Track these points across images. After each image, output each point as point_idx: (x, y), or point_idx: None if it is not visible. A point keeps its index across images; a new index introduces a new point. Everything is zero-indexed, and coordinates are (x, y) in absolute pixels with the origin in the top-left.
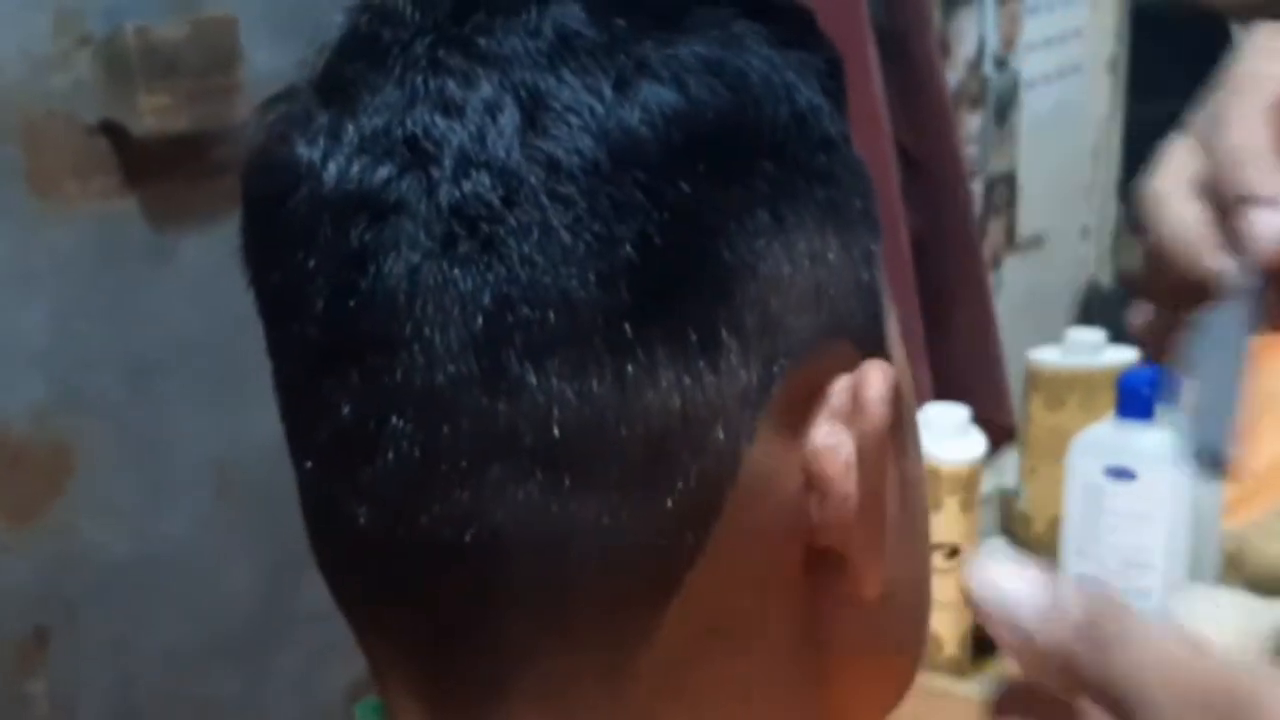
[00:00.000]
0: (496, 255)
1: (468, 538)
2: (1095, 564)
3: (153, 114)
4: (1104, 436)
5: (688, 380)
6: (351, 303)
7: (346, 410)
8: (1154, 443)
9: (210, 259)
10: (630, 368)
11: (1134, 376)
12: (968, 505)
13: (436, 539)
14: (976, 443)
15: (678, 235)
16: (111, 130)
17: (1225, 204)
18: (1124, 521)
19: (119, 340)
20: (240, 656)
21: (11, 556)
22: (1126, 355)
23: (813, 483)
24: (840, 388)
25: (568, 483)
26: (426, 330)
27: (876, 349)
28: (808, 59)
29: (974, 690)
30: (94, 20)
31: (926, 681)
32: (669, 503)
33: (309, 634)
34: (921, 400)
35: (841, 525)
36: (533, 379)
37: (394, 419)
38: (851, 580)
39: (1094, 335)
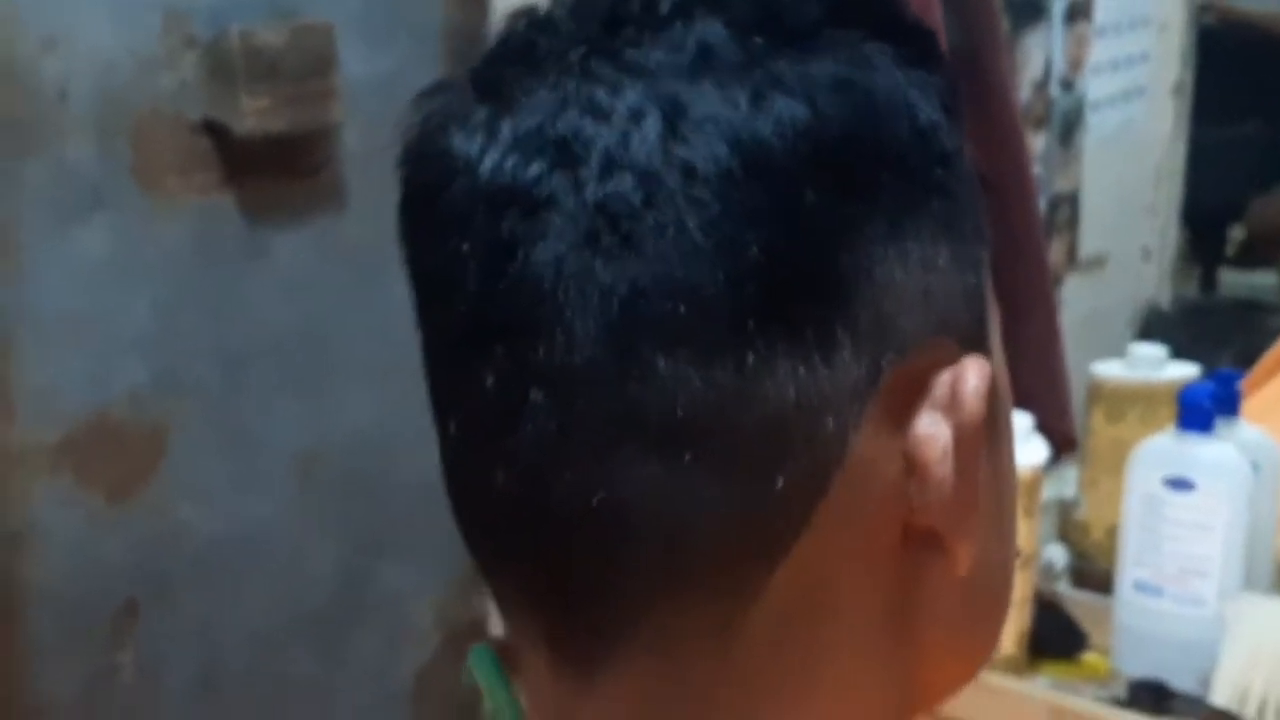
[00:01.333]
0: (634, 250)
1: (595, 503)
2: (1152, 571)
3: (254, 115)
4: (1164, 448)
5: (803, 372)
6: (501, 285)
7: (491, 383)
8: (1214, 454)
9: (302, 255)
10: (751, 359)
11: (1196, 390)
12: (1030, 511)
13: (566, 503)
14: (1039, 449)
15: (801, 241)
16: (214, 129)
17: None
18: (1182, 531)
19: (215, 330)
20: (317, 638)
21: (107, 532)
22: (1187, 370)
23: (912, 468)
24: (942, 381)
25: (688, 459)
26: (567, 314)
27: (978, 347)
28: (929, 78)
29: (1031, 688)
30: (200, 23)
31: (984, 678)
32: (780, 482)
33: (382, 619)
34: None
35: (938, 507)
36: (662, 364)
37: (534, 394)
38: (944, 558)
39: (1156, 350)
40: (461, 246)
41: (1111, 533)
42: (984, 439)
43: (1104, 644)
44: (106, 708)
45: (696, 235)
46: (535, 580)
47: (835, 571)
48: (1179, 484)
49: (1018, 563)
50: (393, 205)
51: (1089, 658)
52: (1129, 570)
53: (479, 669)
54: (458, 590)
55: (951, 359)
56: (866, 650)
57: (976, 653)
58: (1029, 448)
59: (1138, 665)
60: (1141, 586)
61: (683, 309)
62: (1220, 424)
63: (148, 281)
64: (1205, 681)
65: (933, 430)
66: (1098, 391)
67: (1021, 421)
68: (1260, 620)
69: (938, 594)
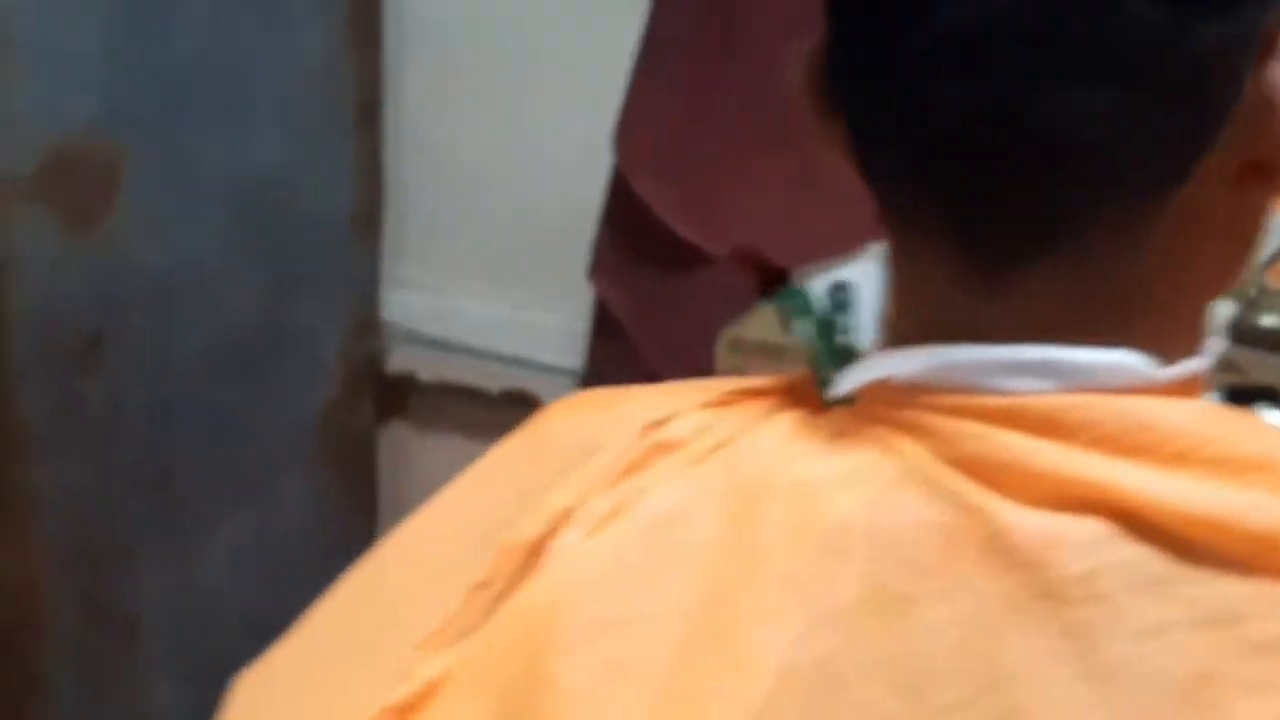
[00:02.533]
0: None
1: (1041, 119)
2: None
3: None
4: None
5: (1225, 26)
6: None
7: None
8: None
9: None
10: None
11: None
12: None
13: (1022, 117)
14: None
15: None
16: None
17: None
18: None
19: (155, 60)
20: (242, 369)
21: (74, 264)
22: None
23: (1272, 108)
24: None
25: (1135, 88)
26: None
27: None
28: None
29: None
30: None
31: None
32: (1200, 116)
33: (298, 352)
34: None
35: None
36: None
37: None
38: (1264, 188)
39: None
40: None
41: None
42: None
43: None
44: (74, 434)
45: None
46: (969, 185)
47: (1207, 196)
48: None
49: None
50: None
51: None
52: None
53: (795, 314)
54: (358, 328)
55: None
56: (1211, 262)
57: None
58: None
59: None
60: None
61: None
62: None
63: (95, 9)
64: None
65: None
66: None
67: None
68: None
69: (1247, 219)
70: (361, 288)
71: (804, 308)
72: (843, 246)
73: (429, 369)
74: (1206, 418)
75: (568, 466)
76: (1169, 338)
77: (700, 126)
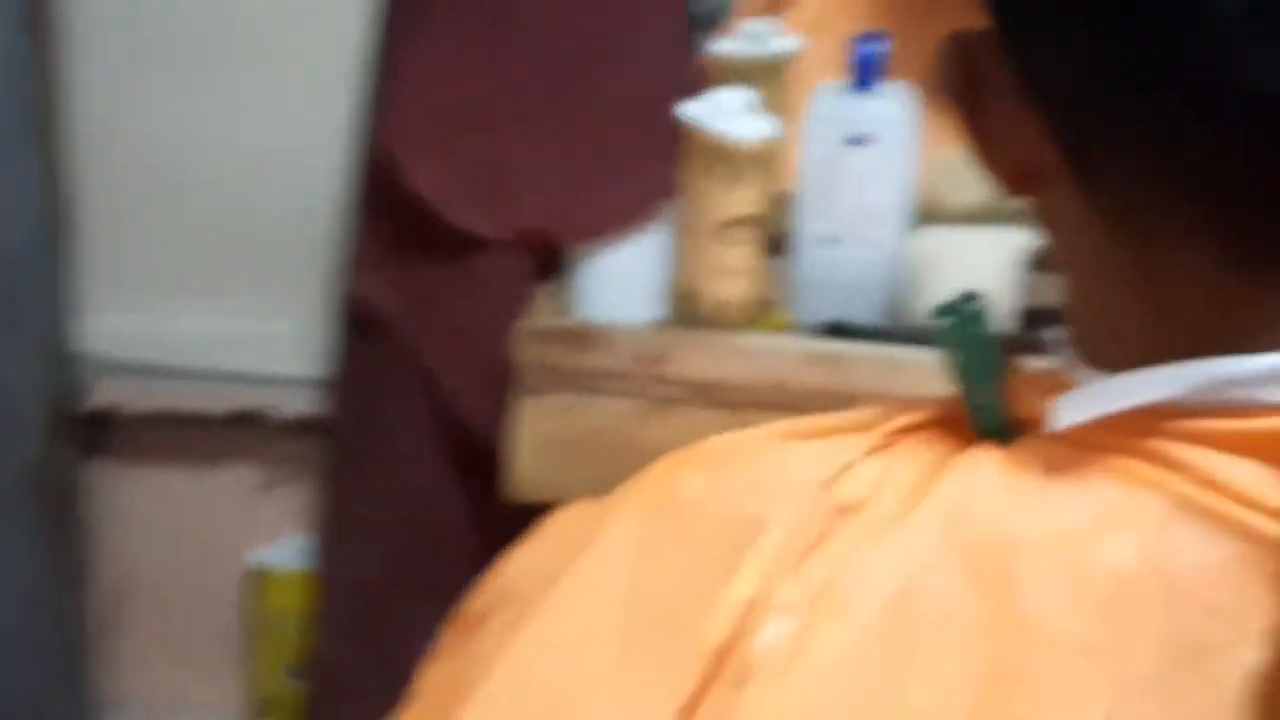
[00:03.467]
0: None
1: None
2: (830, 224)
3: None
4: (839, 106)
5: None
6: None
7: None
8: (887, 108)
9: None
10: None
11: (866, 47)
12: (764, 182)
13: None
14: (768, 122)
15: None
16: None
17: None
18: (858, 183)
19: None
20: None
21: None
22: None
23: None
24: None
25: None
26: None
27: None
28: None
29: (751, 342)
30: None
31: (715, 335)
32: None
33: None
34: None
35: None
36: None
37: None
38: None
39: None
40: None
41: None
42: None
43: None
44: None
45: None
46: (1254, 164)
47: None
48: (858, 140)
49: (747, 231)
50: None
51: (774, 315)
52: (808, 226)
53: (969, 322)
54: (52, 364)
55: None
56: None
57: None
58: (758, 121)
59: (820, 312)
60: (821, 240)
61: None
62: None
63: None
64: (887, 314)
65: None
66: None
67: (746, 94)
68: (946, 253)
69: None
70: (52, 317)
71: (975, 324)
72: (631, 221)
73: (140, 399)
74: None
75: (734, 546)
76: None
77: (478, 102)
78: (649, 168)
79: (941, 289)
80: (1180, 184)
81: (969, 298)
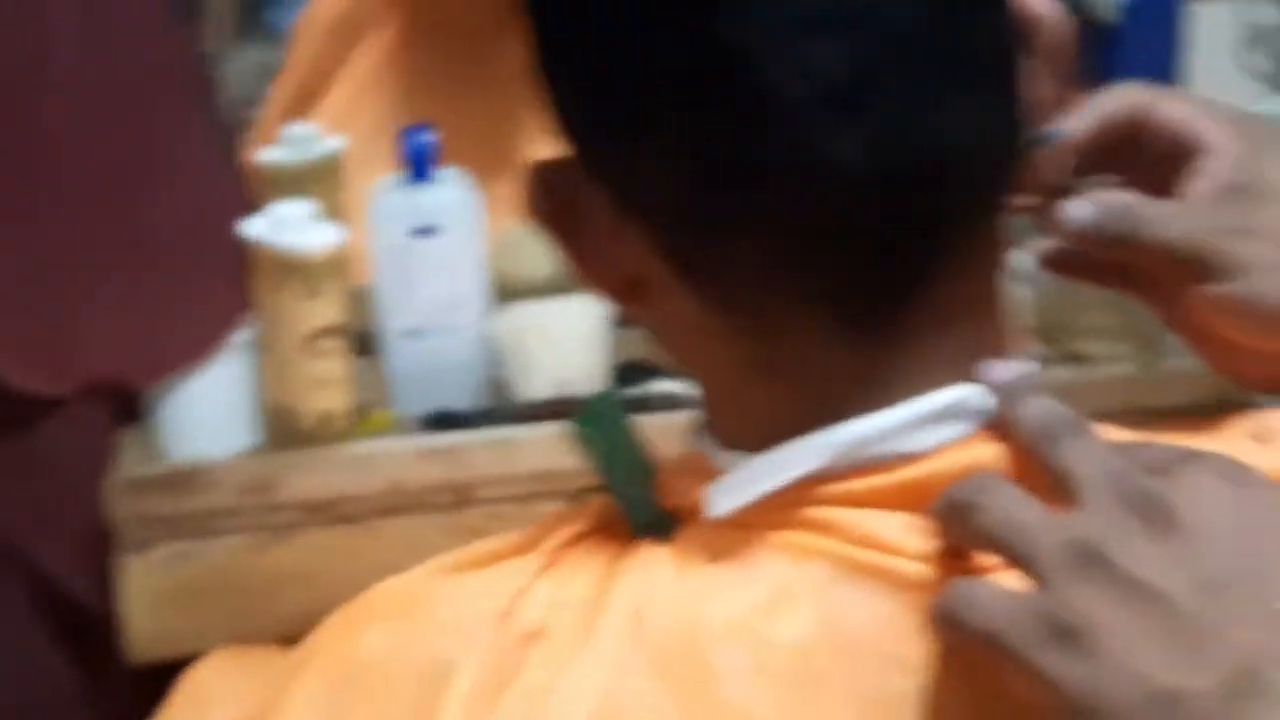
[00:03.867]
0: None
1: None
2: (411, 316)
3: None
4: (402, 200)
5: None
6: None
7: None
8: (449, 198)
9: None
10: None
11: (416, 140)
12: (341, 289)
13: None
14: (335, 230)
15: None
16: None
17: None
18: (433, 273)
19: None
20: None
21: None
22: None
23: None
24: None
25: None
26: None
27: None
28: None
29: (359, 450)
30: None
31: (321, 451)
32: None
33: None
34: None
35: None
36: None
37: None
38: None
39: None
40: None
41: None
42: None
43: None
44: None
45: None
46: (842, 242)
47: None
48: (424, 231)
49: (333, 340)
50: None
51: (375, 416)
52: (390, 322)
53: (605, 421)
54: None
55: None
56: None
57: None
58: (324, 229)
59: (420, 405)
60: (405, 333)
61: None
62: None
63: None
64: (487, 395)
65: None
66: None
67: (307, 207)
68: (535, 325)
69: None
70: None
71: (612, 424)
72: (204, 349)
73: None
74: None
75: (426, 697)
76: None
77: (20, 257)
78: (215, 290)
79: (535, 362)
80: (787, 263)
81: (602, 398)
